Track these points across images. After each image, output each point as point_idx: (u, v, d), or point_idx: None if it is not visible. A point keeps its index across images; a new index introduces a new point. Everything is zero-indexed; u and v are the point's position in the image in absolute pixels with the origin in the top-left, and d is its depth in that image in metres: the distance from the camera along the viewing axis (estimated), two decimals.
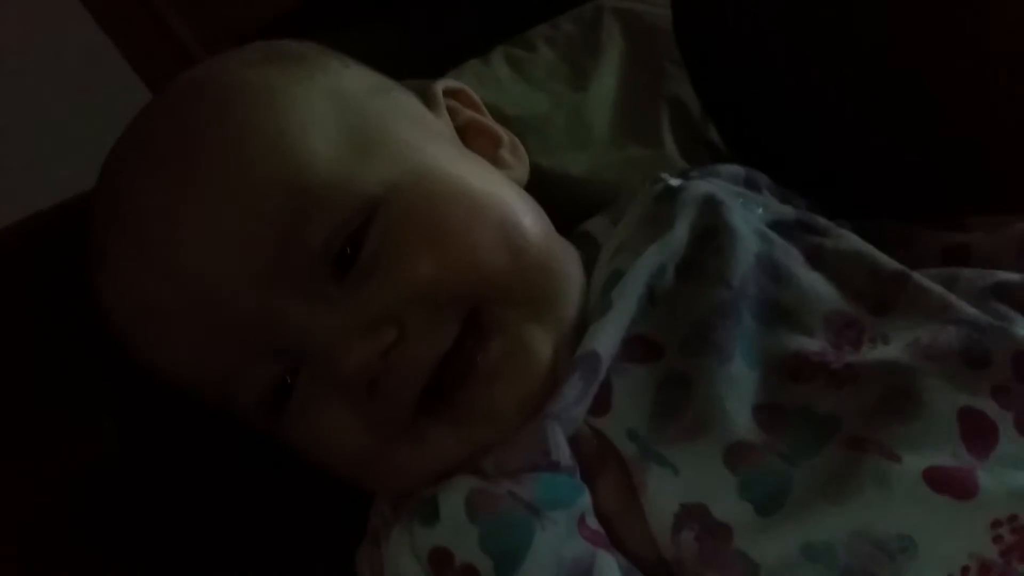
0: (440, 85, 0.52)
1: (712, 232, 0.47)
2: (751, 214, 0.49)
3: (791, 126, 0.57)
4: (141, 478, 0.50)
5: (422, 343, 0.42)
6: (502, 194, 0.46)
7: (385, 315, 0.42)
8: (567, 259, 0.48)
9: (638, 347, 0.44)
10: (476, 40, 0.80)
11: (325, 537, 0.50)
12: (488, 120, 0.53)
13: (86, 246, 0.47)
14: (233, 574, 0.50)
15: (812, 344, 0.43)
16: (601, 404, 0.43)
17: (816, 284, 0.46)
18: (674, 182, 0.50)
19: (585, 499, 0.42)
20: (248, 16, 0.98)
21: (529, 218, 0.46)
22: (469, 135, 0.51)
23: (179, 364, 0.45)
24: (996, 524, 0.37)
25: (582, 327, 0.45)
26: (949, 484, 0.38)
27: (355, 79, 0.48)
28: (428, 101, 0.51)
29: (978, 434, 0.39)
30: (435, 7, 0.97)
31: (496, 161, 0.50)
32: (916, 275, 0.45)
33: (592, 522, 0.42)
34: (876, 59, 0.52)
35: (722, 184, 0.51)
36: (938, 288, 0.44)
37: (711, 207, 0.48)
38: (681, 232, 0.47)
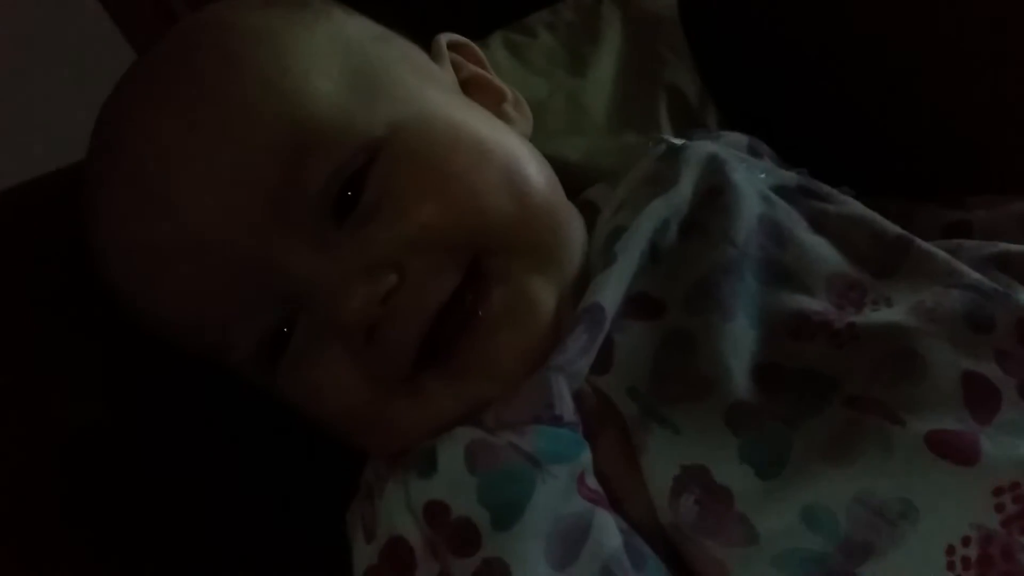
0: (444, 38, 0.51)
1: (717, 190, 0.46)
2: (754, 177, 0.48)
3: (793, 105, 0.57)
4: (127, 443, 0.50)
5: (423, 289, 0.41)
6: (507, 142, 0.46)
7: (386, 259, 0.41)
8: (570, 214, 0.47)
9: (640, 304, 0.44)
10: (475, 25, 0.80)
11: (316, 502, 0.49)
12: (492, 76, 0.52)
13: (82, 193, 0.46)
14: (221, 539, 0.50)
15: (814, 304, 0.43)
16: (603, 362, 0.43)
17: (818, 247, 0.45)
18: (677, 141, 0.49)
19: (587, 455, 0.41)
20: None
21: (533, 167, 0.45)
22: (472, 89, 0.50)
23: (174, 310, 0.44)
24: (999, 491, 0.36)
25: (584, 284, 0.44)
26: (951, 449, 0.37)
27: (358, 26, 0.48)
28: (432, 52, 0.50)
29: (981, 399, 0.39)
30: None
31: (500, 116, 0.49)
32: (919, 240, 0.45)
33: (592, 481, 0.41)
34: (875, 44, 0.53)
35: (725, 148, 0.50)
36: (942, 253, 0.44)
37: (715, 166, 0.47)
38: (685, 189, 0.46)
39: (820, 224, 0.47)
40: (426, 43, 0.70)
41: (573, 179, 0.57)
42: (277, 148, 0.41)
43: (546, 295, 0.44)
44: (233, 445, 0.52)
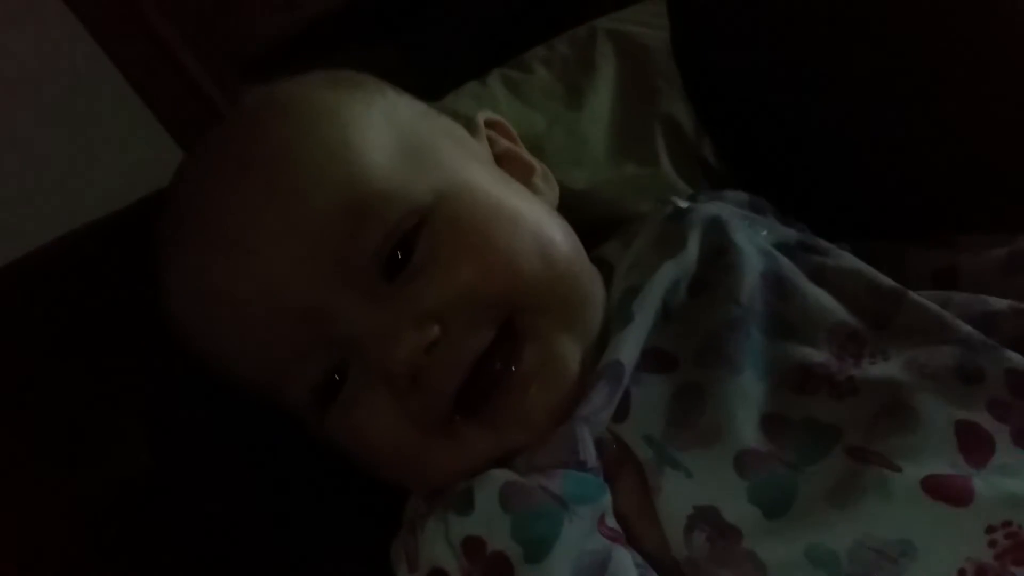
0: (481, 116, 0.56)
1: (720, 251, 0.50)
2: (756, 235, 0.52)
3: (786, 144, 0.58)
4: (171, 491, 0.52)
5: (462, 342, 0.45)
6: (537, 211, 0.50)
7: (431, 314, 0.45)
8: (592, 274, 0.51)
9: (655, 358, 0.47)
10: (473, 63, 0.82)
11: (361, 538, 0.52)
12: (522, 150, 0.57)
13: (156, 244, 0.50)
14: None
15: (817, 356, 0.46)
16: (621, 411, 0.46)
17: (820, 298, 0.48)
18: (683, 204, 0.53)
19: (608, 497, 0.44)
20: (249, 41, 0.99)
21: (560, 234, 0.50)
22: (505, 162, 0.55)
23: (240, 353, 0.48)
24: (991, 529, 0.39)
25: (603, 339, 0.48)
26: (946, 492, 0.40)
27: (407, 104, 0.53)
28: (470, 128, 0.55)
29: (975, 445, 0.41)
30: (432, 31, 0.99)
31: (529, 187, 0.54)
32: (912, 293, 0.47)
33: (611, 520, 0.44)
34: (871, 78, 0.54)
35: (728, 207, 0.53)
36: (934, 306, 0.46)
37: (718, 227, 0.51)
38: (692, 251, 0.50)
39: (819, 277, 0.50)
40: (426, 86, 0.73)
41: (578, 207, 0.59)
42: (340, 211, 0.45)
43: (572, 352, 0.47)
44: (281, 486, 0.54)
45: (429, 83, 0.78)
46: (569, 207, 0.55)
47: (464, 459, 0.46)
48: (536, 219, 0.49)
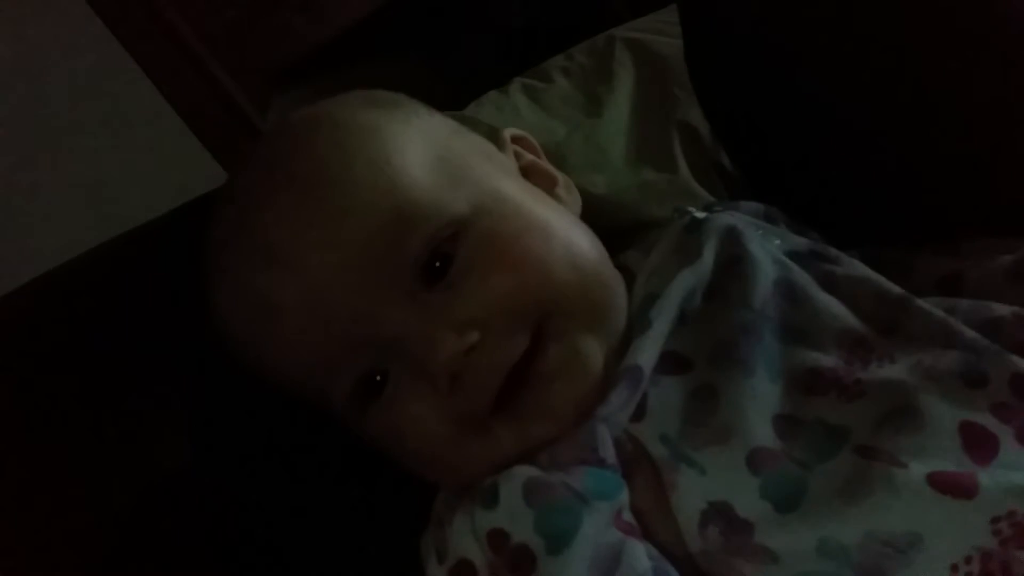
0: (508, 132, 0.59)
1: (735, 260, 0.52)
2: (769, 244, 0.54)
3: (800, 153, 0.60)
4: (210, 489, 0.54)
5: (500, 348, 0.48)
6: (565, 221, 0.53)
7: (471, 320, 0.47)
8: (616, 280, 0.54)
9: (671, 361, 0.50)
10: (494, 72, 0.84)
11: (393, 533, 0.54)
12: (546, 163, 0.59)
13: (205, 259, 0.53)
14: (310, 565, 0.54)
15: (826, 360, 0.48)
16: (638, 411, 0.48)
17: (830, 305, 0.50)
18: (700, 215, 0.55)
19: (625, 493, 0.46)
20: (278, 52, 1.02)
21: (587, 242, 0.53)
22: (530, 174, 0.57)
23: (286, 356, 0.51)
24: (996, 520, 0.41)
25: (626, 341, 0.50)
26: (952, 485, 0.41)
27: (441, 122, 0.56)
28: (498, 143, 0.58)
29: (979, 444, 0.43)
30: (455, 41, 1.01)
31: (554, 198, 0.57)
32: (918, 300, 0.49)
33: (627, 515, 0.46)
34: (885, 87, 0.55)
35: (742, 217, 0.55)
36: (939, 312, 0.48)
37: (733, 237, 0.53)
38: (708, 259, 0.52)
39: (830, 284, 0.52)
40: (450, 95, 0.74)
41: (599, 210, 0.61)
42: (382, 222, 0.48)
43: (594, 350, 0.50)
44: (318, 483, 0.56)
45: (452, 92, 0.80)
46: (590, 212, 0.57)
47: (494, 454, 0.48)
48: (565, 229, 0.52)
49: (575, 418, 0.48)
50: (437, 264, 0.49)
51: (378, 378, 0.49)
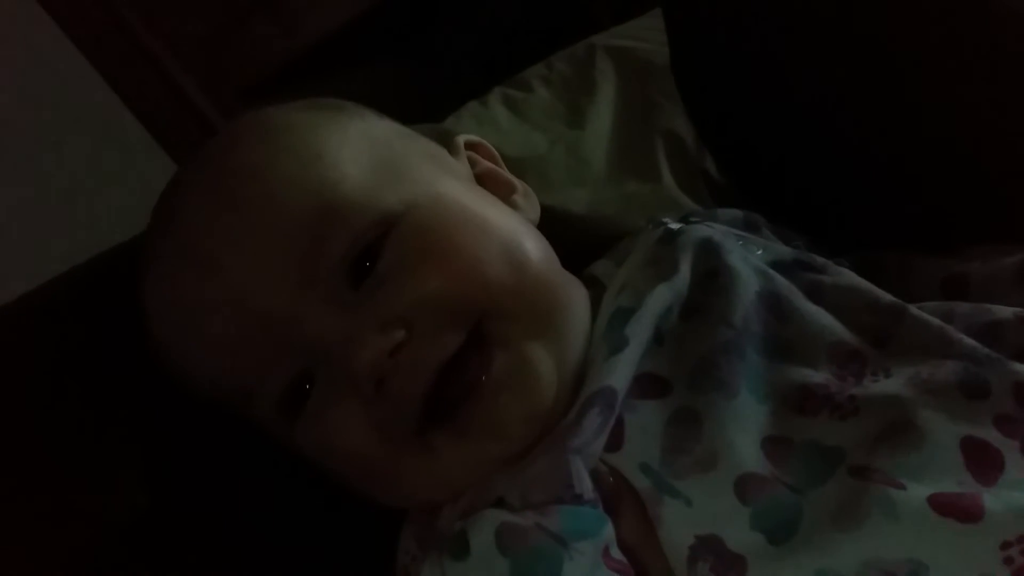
0: (461, 138, 0.56)
1: (712, 274, 0.49)
2: (751, 255, 0.51)
3: (792, 159, 0.58)
4: (169, 534, 0.52)
5: (428, 346, 0.44)
6: (508, 221, 0.50)
7: (396, 318, 0.44)
8: (569, 287, 0.50)
9: (647, 384, 0.46)
10: (472, 81, 0.82)
11: (357, 567, 0.51)
12: (503, 171, 0.56)
13: (139, 263, 0.51)
14: None
15: (816, 377, 0.45)
16: (614, 440, 0.45)
17: (818, 317, 0.47)
18: (674, 225, 0.52)
19: (608, 530, 0.43)
20: (250, 67, 1.00)
21: (531, 243, 0.49)
22: (486, 182, 0.54)
23: (209, 360, 0.48)
24: (1006, 545, 0.38)
25: (584, 357, 0.47)
26: (955, 508, 0.38)
27: (386, 125, 0.53)
28: (450, 148, 0.55)
29: (983, 463, 0.40)
30: (430, 52, 1.00)
31: (510, 205, 0.53)
32: (913, 308, 0.47)
33: (616, 553, 0.43)
34: (881, 91, 0.54)
35: (721, 228, 0.53)
36: (936, 321, 0.45)
37: (710, 249, 0.50)
38: (685, 274, 0.49)
39: (817, 295, 0.49)
40: (426, 107, 0.73)
41: (579, 230, 0.59)
42: (307, 220, 0.45)
43: (544, 361, 0.46)
44: (277, 518, 0.53)
45: (430, 103, 0.79)
46: (572, 230, 0.55)
47: (435, 472, 0.45)
48: (506, 227, 0.49)
49: (524, 437, 0.45)
50: (367, 264, 0.46)
51: (307, 386, 0.46)
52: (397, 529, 0.50)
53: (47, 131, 0.98)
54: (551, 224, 0.55)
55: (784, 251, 0.52)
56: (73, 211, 0.98)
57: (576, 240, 0.54)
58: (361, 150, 0.49)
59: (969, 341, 0.44)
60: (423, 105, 0.77)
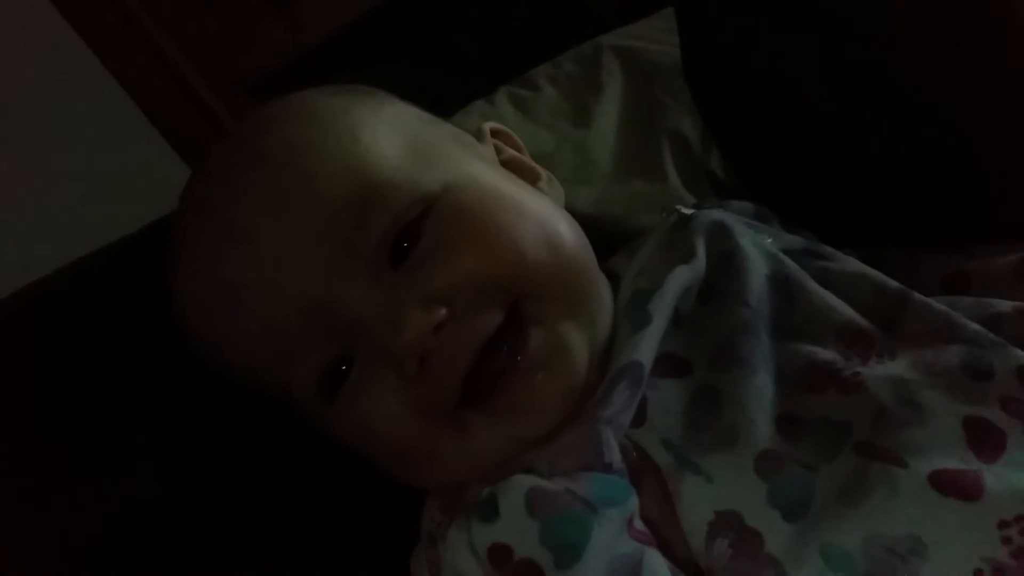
0: (487, 125, 0.57)
1: (727, 256, 0.50)
2: (761, 240, 0.52)
3: (801, 157, 0.58)
4: (182, 520, 0.52)
5: (469, 324, 0.45)
6: (542, 203, 0.51)
7: (437, 296, 0.45)
8: (597, 272, 0.51)
9: (668, 363, 0.47)
10: (478, 81, 0.82)
11: (377, 552, 0.51)
12: (527, 158, 0.57)
13: (169, 244, 0.51)
14: None
15: (824, 354, 0.46)
16: (637, 416, 0.46)
17: (827, 298, 0.48)
18: (687, 211, 0.53)
19: (635, 500, 0.43)
20: (256, 63, 1.00)
21: (565, 225, 0.50)
22: (511, 169, 0.55)
23: (247, 344, 0.48)
24: (1003, 525, 0.38)
25: (610, 342, 0.48)
26: (954, 486, 0.39)
27: (414, 111, 0.54)
28: (477, 135, 0.56)
29: (985, 440, 0.41)
30: (436, 50, 1.00)
31: (535, 189, 0.54)
32: (917, 293, 0.47)
33: (639, 523, 0.43)
34: (887, 91, 0.54)
35: (732, 214, 0.53)
36: (940, 306, 0.46)
37: (723, 232, 0.51)
38: (702, 257, 0.50)
39: (825, 281, 0.50)
40: (433, 106, 0.73)
41: (587, 229, 0.60)
42: (348, 200, 0.46)
43: (578, 340, 0.47)
44: (293, 507, 0.54)
45: (437, 101, 0.79)
46: (579, 224, 0.56)
47: (471, 451, 0.46)
48: (541, 209, 0.50)
49: (557, 417, 0.46)
50: (405, 244, 0.46)
51: (343, 367, 0.47)
52: (412, 527, 0.50)
53: (55, 127, 0.99)
54: None
55: (793, 239, 0.53)
56: (81, 208, 0.98)
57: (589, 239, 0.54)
58: (395, 132, 0.49)
59: (973, 325, 0.45)
60: (430, 104, 0.77)
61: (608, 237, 0.60)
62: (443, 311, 0.44)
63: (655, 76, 0.75)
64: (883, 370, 0.45)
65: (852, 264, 0.51)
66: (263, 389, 0.50)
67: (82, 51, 0.96)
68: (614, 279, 0.52)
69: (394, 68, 0.97)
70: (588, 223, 0.59)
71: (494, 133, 0.57)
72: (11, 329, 0.57)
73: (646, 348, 0.46)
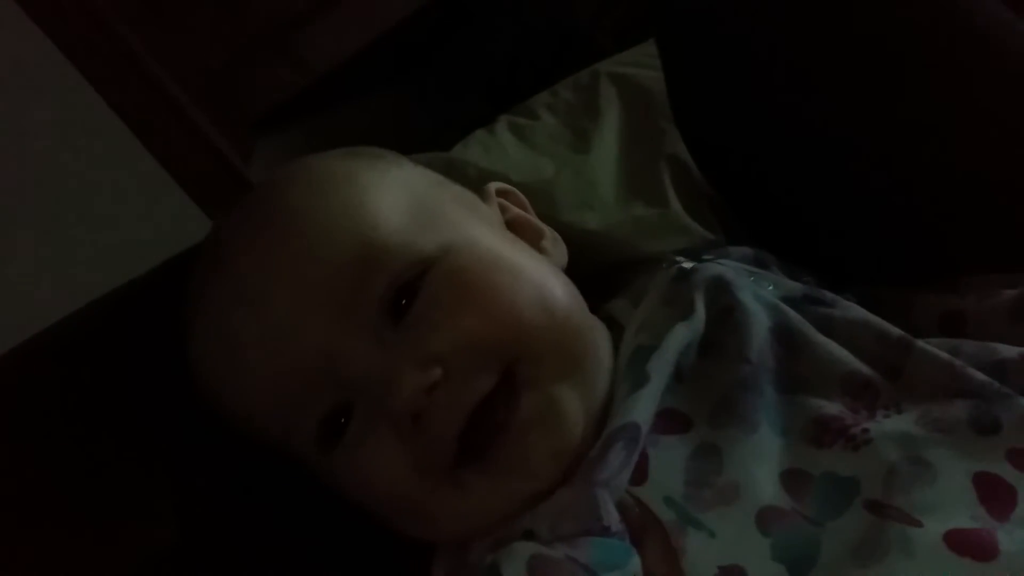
0: (493, 185, 0.59)
1: (726, 310, 0.51)
2: (762, 290, 0.53)
3: (791, 191, 0.59)
4: (199, 562, 0.52)
5: (464, 385, 0.46)
6: (540, 267, 0.52)
7: (433, 357, 0.46)
8: (596, 331, 0.52)
9: (669, 420, 0.48)
10: (478, 111, 0.83)
11: None
12: (532, 217, 0.59)
13: (187, 301, 0.53)
14: None
15: (831, 408, 0.46)
16: (639, 473, 0.46)
17: (831, 348, 0.49)
18: (687, 265, 0.54)
19: (636, 561, 0.44)
20: (259, 97, 1.01)
21: (560, 288, 0.51)
22: (515, 228, 0.57)
23: (250, 394, 0.50)
24: None
25: (609, 397, 0.49)
26: (970, 547, 0.39)
27: (422, 173, 0.56)
28: (482, 196, 0.57)
29: (996, 497, 0.41)
30: (436, 82, 1.01)
31: (538, 250, 0.56)
32: (920, 342, 0.48)
33: None
34: (882, 120, 0.55)
35: (733, 264, 0.54)
36: (944, 355, 0.47)
37: (722, 287, 0.52)
38: (701, 313, 0.51)
39: (827, 329, 0.51)
40: (432, 136, 0.74)
41: (593, 247, 0.60)
42: (350, 262, 0.48)
43: (571, 400, 0.48)
44: (303, 555, 0.54)
45: (438, 132, 0.80)
46: (584, 249, 0.56)
47: (468, 508, 0.47)
48: (538, 273, 0.51)
49: (552, 475, 0.47)
50: (403, 302, 0.48)
51: (343, 420, 0.48)
52: (422, 564, 0.50)
53: (59, 165, 1.00)
54: (568, 242, 0.57)
55: (794, 286, 0.54)
56: (85, 246, 0.99)
57: (590, 257, 0.55)
58: (399, 196, 0.51)
59: (979, 376, 0.45)
60: (430, 135, 0.78)
61: (612, 261, 0.60)
62: (438, 371, 0.46)
63: (653, 102, 0.76)
64: (891, 425, 0.45)
65: (854, 311, 0.51)
66: (266, 440, 0.51)
67: (80, 85, 0.96)
68: (615, 327, 0.53)
69: (394, 100, 0.98)
70: (594, 244, 0.60)
71: (500, 193, 0.59)
72: (23, 375, 0.58)
73: (643, 409, 0.47)
